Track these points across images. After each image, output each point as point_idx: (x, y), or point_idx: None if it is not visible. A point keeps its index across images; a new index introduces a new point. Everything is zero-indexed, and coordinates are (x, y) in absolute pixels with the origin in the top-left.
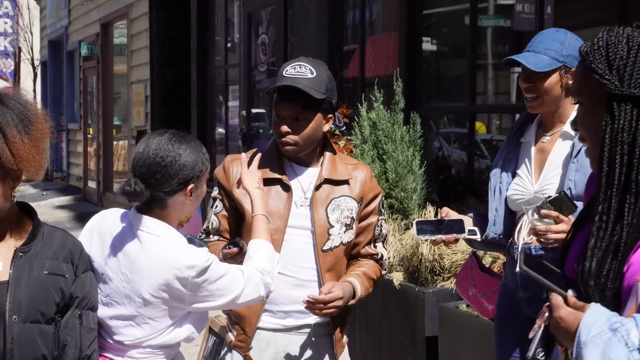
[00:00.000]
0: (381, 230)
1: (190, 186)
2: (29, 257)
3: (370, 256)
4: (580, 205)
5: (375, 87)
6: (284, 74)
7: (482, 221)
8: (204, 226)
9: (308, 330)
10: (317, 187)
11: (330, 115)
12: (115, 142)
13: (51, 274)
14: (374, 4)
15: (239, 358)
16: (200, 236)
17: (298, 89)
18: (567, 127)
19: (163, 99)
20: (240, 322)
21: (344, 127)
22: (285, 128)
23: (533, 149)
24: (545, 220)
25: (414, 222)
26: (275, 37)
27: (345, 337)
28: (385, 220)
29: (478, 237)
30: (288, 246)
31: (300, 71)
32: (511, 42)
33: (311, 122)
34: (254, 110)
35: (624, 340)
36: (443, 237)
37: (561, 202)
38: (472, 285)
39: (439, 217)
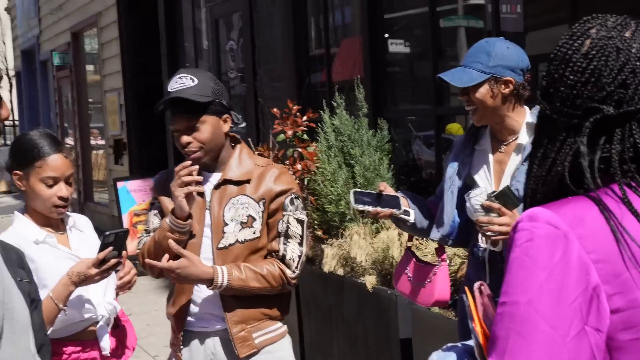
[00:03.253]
0: (288, 227)
1: (18, 173)
2: None
3: (275, 253)
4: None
5: (337, 93)
6: (169, 89)
7: (416, 204)
8: (145, 227)
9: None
10: (217, 187)
11: (226, 116)
12: (94, 152)
13: (21, 280)
14: (337, 9)
15: (173, 357)
16: (141, 236)
17: (182, 99)
18: (520, 139)
19: (137, 107)
20: (173, 323)
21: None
22: (184, 139)
23: (491, 159)
24: (490, 213)
25: (352, 192)
26: (242, 43)
27: (264, 336)
28: (293, 217)
29: (411, 218)
30: (199, 248)
31: (183, 82)
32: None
33: (207, 126)
34: None
35: None
36: (379, 209)
37: (505, 197)
38: (408, 276)
39: (377, 190)
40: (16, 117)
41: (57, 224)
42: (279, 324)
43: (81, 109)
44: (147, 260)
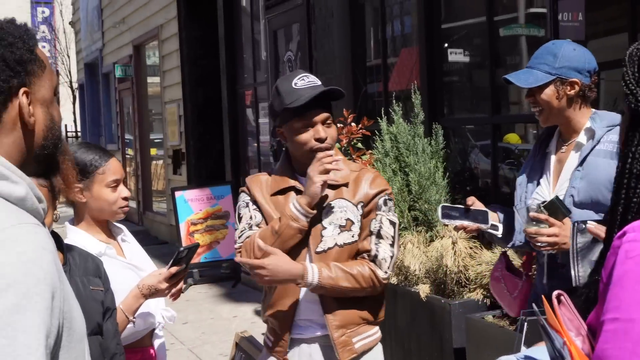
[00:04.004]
0: (381, 227)
1: (78, 186)
2: (70, 275)
3: (367, 253)
4: (583, 212)
5: (394, 101)
6: (293, 86)
7: (506, 218)
8: (245, 222)
9: (327, 339)
10: None
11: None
12: (154, 162)
13: (95, 289)
14: (395, 20)
15: None
16: (242, 231)
17: (334, 90)
18: (580, 138)
19: (196, 117)
20: (277, 328)
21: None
22: (323, 133)
23: (553, 159)
24: (539, 224)
25: (440, 206)
26: (300, 54)
27: (363, 341)
28: (386, 218)
29: (499, 233)
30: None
31: (311, 80)
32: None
33: (334, 125)
34: None
35: None
36: (465, 223)
37: (555, 207)
38: (502, 283)
39: (465, 204)
40: (79, 128)
41: (108, 235)
42: (376, 328)
43: (142, 120)
44: (238, 258)
